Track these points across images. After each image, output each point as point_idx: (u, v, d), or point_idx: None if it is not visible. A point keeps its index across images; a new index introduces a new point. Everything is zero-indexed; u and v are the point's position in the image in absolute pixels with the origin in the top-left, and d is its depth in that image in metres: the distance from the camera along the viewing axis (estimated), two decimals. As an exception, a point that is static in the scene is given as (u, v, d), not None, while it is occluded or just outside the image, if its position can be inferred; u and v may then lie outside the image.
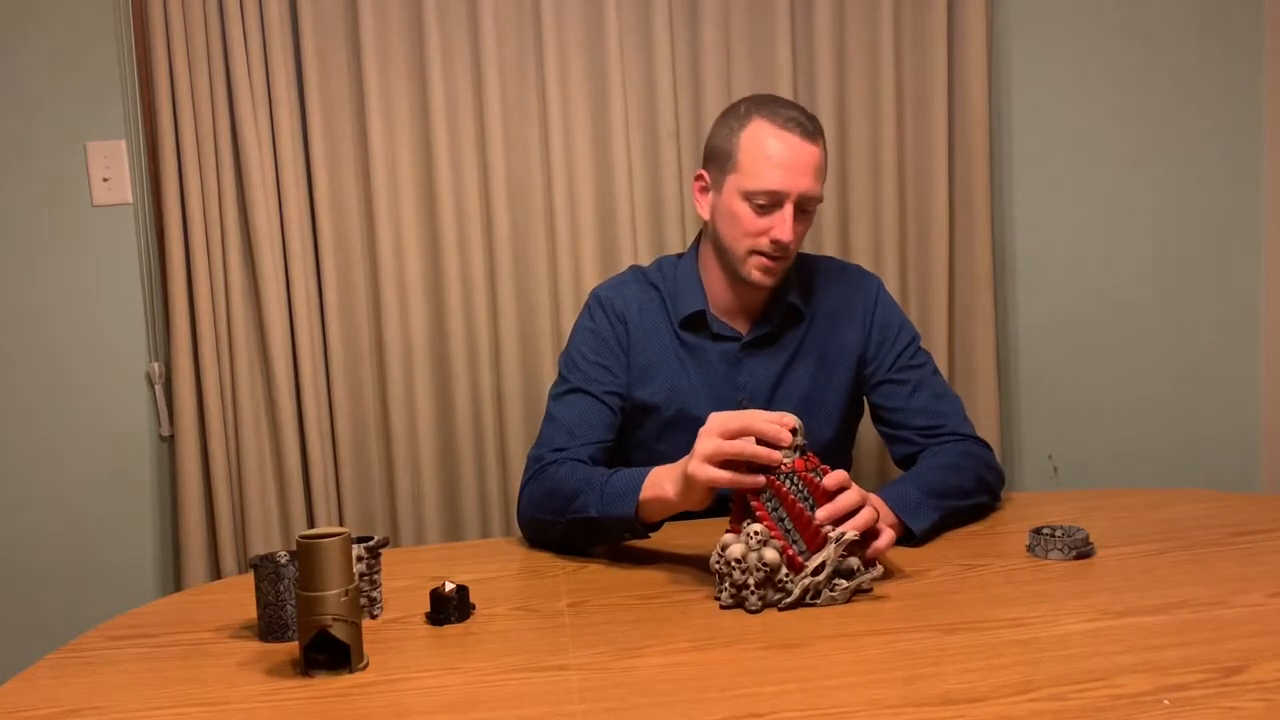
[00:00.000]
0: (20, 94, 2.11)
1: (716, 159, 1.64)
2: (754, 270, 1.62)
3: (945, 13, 2.18)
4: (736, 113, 1.63)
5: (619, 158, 2.16)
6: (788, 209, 1.57)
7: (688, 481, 1.34)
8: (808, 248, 2.20)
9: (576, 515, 1.48)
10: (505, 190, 2.15)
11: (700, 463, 1.31)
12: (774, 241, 1.58)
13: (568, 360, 1.70)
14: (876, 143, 2.21)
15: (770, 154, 1.57)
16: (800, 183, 1.57)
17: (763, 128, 1.58)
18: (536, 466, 1.59)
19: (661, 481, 1.41)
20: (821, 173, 1.61)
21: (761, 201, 1.58)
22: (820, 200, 1.62)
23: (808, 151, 1.57)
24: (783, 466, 1.30)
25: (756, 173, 1.57)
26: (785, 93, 2.16)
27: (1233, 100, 2.34)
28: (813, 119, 1.61)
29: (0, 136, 2.12)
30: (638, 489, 1.43)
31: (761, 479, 1.29)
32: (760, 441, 1.29)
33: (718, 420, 1.32)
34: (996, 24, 2.26)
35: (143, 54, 2.09)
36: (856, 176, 2.22)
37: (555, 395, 1.68)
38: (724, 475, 1.30)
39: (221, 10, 2.05)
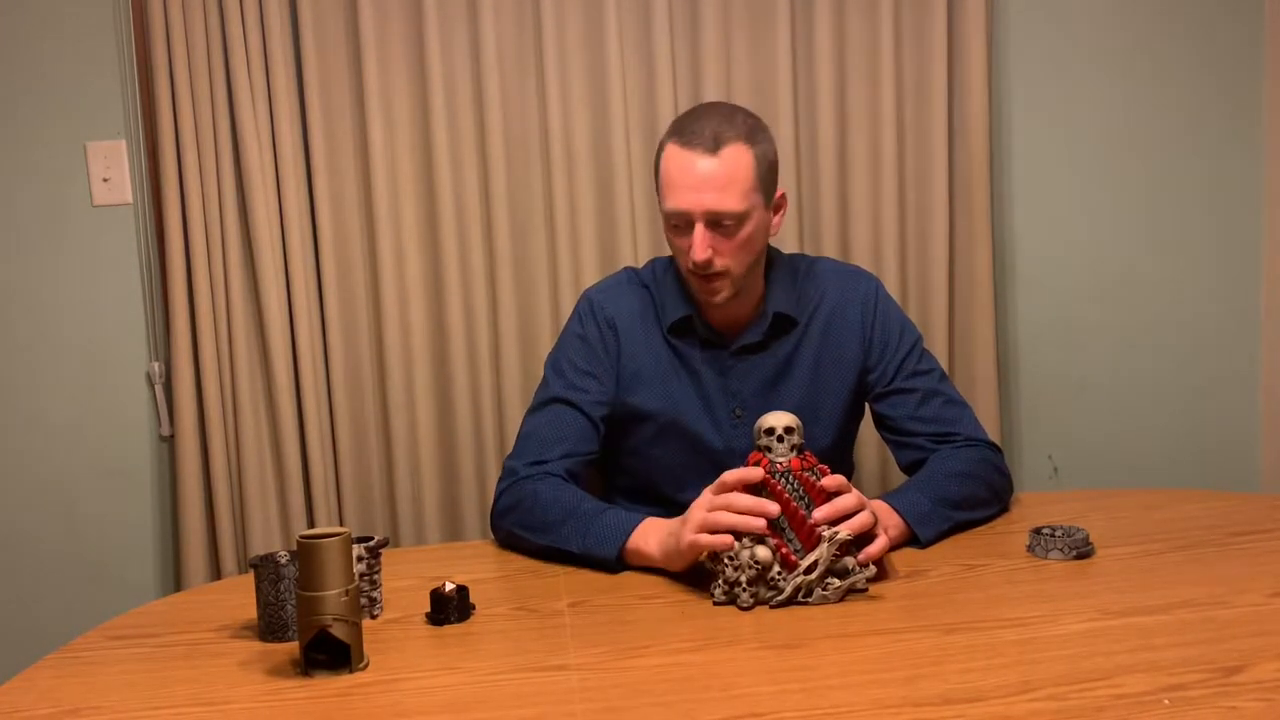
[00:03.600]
0: (20, 94, 2.11)
1: (656, 185, 1.62)
2: (698, 290, 1.60)
3: (945, 12, 2.18)
4: (662, 138, 1.60)
5: (619, 158, 2.16)
6: (698, 228, 1.52)
7: (680, 552, 1.35)
8: (808, 247, 2.22)
9: (557, 545, 1.48)
10: (505, 190, 2.15)
11: (694, 533, 1.32)
12: (694, 261, 1.54)
13: (555, 366, 1.68)
14: (876, 143, 2.21)
15: (673, 175, 1.53)
16: (702, 200, 1.50)
17: (671, 151, 1.54)
18: (512, 479, 1.58)
19: (648, 536, 1.42)
20: (734, 185, 1.50)
21: (675, 223, 1.56)
22: (743, 214, 1.51)
23: (707, 166, 1.50)
24: (778, 465, 1.30)
25: (665, 195, 1.56)
26: (785, 93, 2.16)
27: (1233, 99, 2.33)
28: (727, 129, 1.51)
29: (0, 136, 2.12)
30: (625, 535, 1.43)
31: (762, 523, 1.28)
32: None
33: (697, 511, 1.33)
34: (996, 23, 2.26)
35: (143, 54, 2.09)
36: (856, 176, 2.22)
37: (537, 403, 1.66)
38: (721, 540, 1.29)
39: (221, 10, 2.05)
